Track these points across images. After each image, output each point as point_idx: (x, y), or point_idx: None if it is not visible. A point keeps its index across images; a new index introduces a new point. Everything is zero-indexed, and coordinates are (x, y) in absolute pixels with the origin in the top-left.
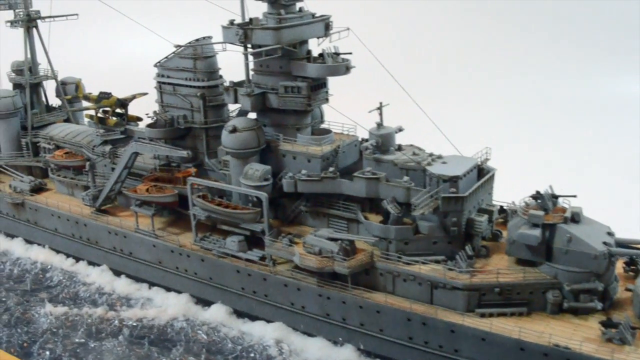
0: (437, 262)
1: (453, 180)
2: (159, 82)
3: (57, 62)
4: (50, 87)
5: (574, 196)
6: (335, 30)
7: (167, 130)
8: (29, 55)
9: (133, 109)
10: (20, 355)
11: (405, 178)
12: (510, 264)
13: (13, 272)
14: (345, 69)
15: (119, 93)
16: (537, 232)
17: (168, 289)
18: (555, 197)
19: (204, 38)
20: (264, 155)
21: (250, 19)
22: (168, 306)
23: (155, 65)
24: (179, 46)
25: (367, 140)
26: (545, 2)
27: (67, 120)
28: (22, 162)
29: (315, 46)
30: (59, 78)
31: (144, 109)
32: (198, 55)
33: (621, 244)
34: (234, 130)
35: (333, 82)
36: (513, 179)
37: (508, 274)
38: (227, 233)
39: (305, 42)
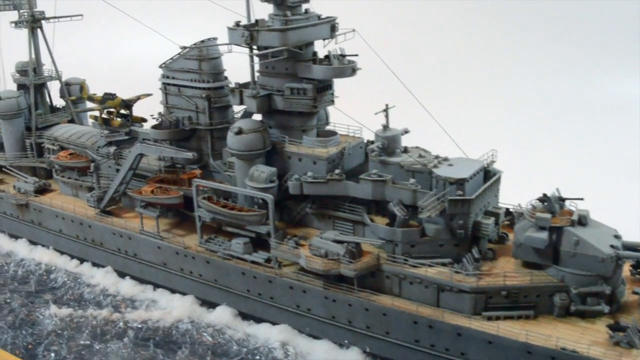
0: (444, 264)
1: (460, 183)
2: (164, 83)
3: (62, 63)
4: (54, 87)
5: (581, 199)
6: (341, 31)
7: (172, 131)
8: (33, 56)
9: (137, 110)
10: (25, 357)
11: (412, 180)
12: (517, 266)
13: (17, 273)
14: (352, 70)
15: (124, 94)
16: (544, 235)
17: (173, 291)
18: (562, 199)
19: (209, 39)
20: (269, 157)
21: (256, 21)
22: (173, 308)
23: (161, 67)
24: (185, 47)
25: (372, 142)
26: (547, 2)
27: (71, 121)
28: (26, 162)
29: (321, 48)
30: (63, 79)
31: (149, 110)
32: (203, 57)
33: (628, 246)
34: (240, 132)
35: (338, 83)
36: (518, 181)
37: (515, 276)
38: (232, 235)
39: (311, 43)
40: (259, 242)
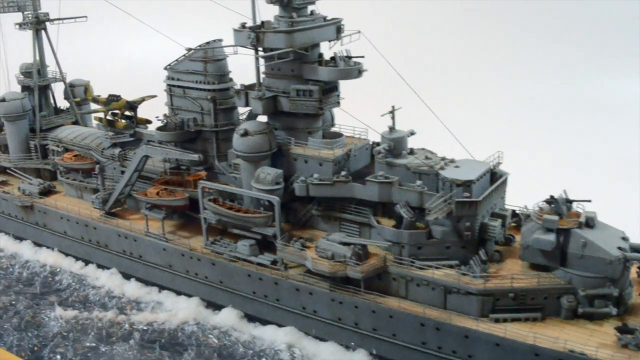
0: (451, 266)
1: (466, 185)
2: (169, 84)
3: (66, 64)
4: (58, 89)
5: (589, 201)
6: (347, 33)
7: (177, 133)
8: (37, 58)
9: (142, 112)
10: (31, 359)
11: (418, 182)
12: (524, 269)
13: (22, 275)
14: (358, 72)
15: (128, 95)
16: (551, 237)
17: (178, 293)
18: (570, 201)
19: (214, 41)
20: (275, 158)
21: (262, 22)
22: (178, 310)
23: (166, 68)
24: (190, 49)
25: (378, 144)
26: (552, 3)
27: (75, 123)
28: (31, 164)
29: (327, 49)
30: (68, 80)
31: (153, 111)
32: (208, 58)
33: (636, 248)
34: (246, 133)
35: (344, 84)
36: (523, 182)
37: (522, 279)
38: (238, 237)
39: (317, 45)
40: (265, 244)
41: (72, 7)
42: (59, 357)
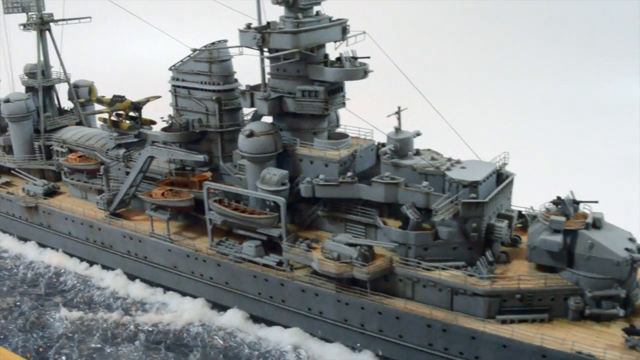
0: (457, 268)
1: (473, 186)
2: (173, 85)
3: (70, 65)
4: (62, 90)
5: (596, 202)
6: (352, 34)
7: (182, 134)
8: (41, 58)
9: (147, 113)
10: None
11: (425, 183)
12: (530, 270)
13: (27, 276)
14: (363, 73)
15: (132, 96)
16: (558, 238)
17: (183, 294)
18: (577, 202)
19: (219, 41)
20: (280, 159)
21: (268, 23)
22: (184, 311)
23: (170, 69)
24: (195, 50)
25: (384, 145)
26: (556, 3)
27: (79, 124)
28: (35, 165)
29: (332, 50)
30: (72, 81)
31: (158, 112)
32: (213, 59)
33: None
34: (252, 134)
35: (349, 85)
36: (530, 183)
37: (529, 280)
38: (244, 238)
39: (322, 46)
40: (271, 245)
41: (76, 7)
42: (64, 358)
